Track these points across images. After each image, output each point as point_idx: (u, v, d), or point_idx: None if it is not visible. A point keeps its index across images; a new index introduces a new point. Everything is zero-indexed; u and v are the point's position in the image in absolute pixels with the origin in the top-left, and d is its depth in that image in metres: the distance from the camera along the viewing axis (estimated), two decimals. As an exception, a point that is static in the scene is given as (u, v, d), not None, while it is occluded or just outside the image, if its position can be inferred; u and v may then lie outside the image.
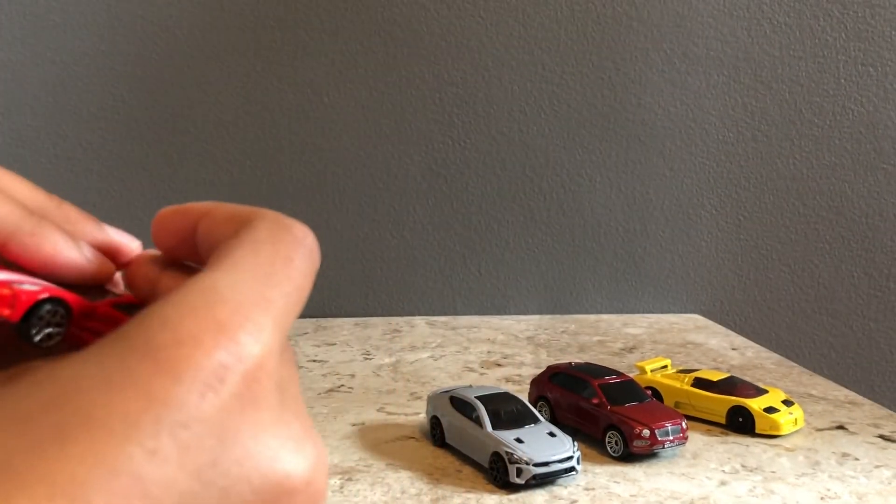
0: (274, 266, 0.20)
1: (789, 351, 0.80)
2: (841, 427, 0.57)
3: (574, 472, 0.46)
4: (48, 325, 0.25)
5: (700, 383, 0.58)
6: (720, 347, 0.80)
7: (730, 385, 0.57)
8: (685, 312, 0.95)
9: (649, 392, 0.56)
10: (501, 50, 0.91)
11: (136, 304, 0.27)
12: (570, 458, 0.46)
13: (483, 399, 0.50)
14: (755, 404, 0.55)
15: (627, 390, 0.53)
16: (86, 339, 0.25)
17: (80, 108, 0.88)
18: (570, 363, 0.58)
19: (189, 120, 0.89)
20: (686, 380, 0.59)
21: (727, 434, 0.55)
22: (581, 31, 0.91)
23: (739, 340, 0.83)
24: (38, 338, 0.25)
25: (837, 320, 0.95)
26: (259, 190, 0.91)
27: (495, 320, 0.90)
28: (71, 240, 0.27)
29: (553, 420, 0.54)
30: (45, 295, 0.26)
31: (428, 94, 0.91)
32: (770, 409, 0.55)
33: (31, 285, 0.26)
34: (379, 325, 0.88)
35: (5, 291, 0.26)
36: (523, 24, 0.91)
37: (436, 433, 0.52)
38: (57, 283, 0.27)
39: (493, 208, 0.93)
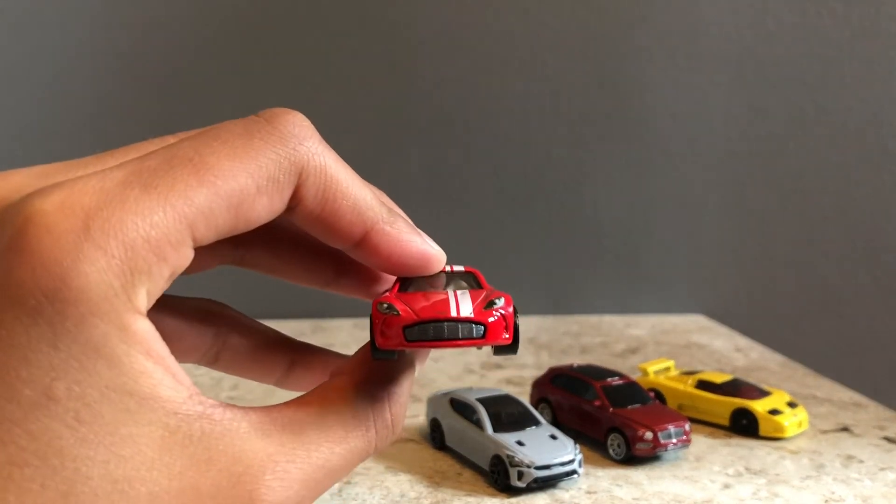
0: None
1: (794, 352, 0.79)
2: (845, 429, 0.57)
3: (576, 475, 0.45)
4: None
5: (703, 385, 0.58)
6: (724, 349, 0.79)
7: (733, 387, 0.57)
8: (688, 313, 0.94)
9: (652, 394, 0.55)
10: (502, 47, 0.90)
11: None
12: (572, 460, 0.45)
13: (484, 401, 0.49)
14: (759, 406, 0.55)
15: (630, 392, 0.53)
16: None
17: (76, 107, 0.87)
18: (571, 365, 0.57)
19: (188, 119, 0.89)
20: (689, 381, 0.58)
21: (731, 436, 0.55)
22: (583, 29, 0.91)
23: (743, 342, 0.82)
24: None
25: (842, 321, 0.95)
26: (259, 190, 0.90)
27: (497, 321, 0.89)
28: (416, 232, 0.27)
29: (554, 422, 0.54)
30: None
31: (427, 93, 0.91)
32: (774, 412, 0.54)
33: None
34: (380, 326, 0.87)
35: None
36: (525, 21, 0.90)
37: (435, 436, 0.51)
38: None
39: (493, 208, 0.92)
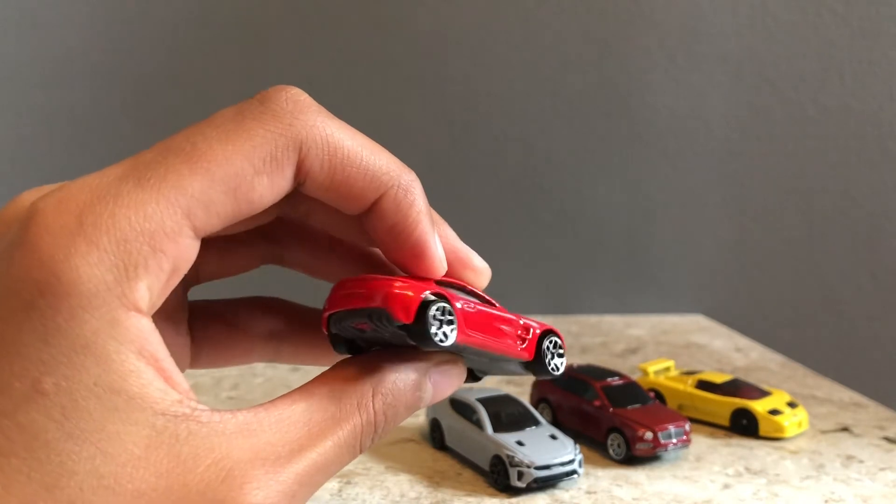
0: None
1: (794, 352, 0.79)
2: (845, 429, 0.57)
3: (576, 476, 0.45)
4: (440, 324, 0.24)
5: (703, 385, 0.58)
6: (724, 349, 0.79)
7: (733, 387, 0.57)
8: (688, 313, 0.94)
9: (652, 394, 0.55)
10: (502, 47, 0.90)
11: None
12: (572, 461, 0.45)
13: (484, 401, 0.49)
14: (759, 406, 0.55)
15: (630, 392, 0.53)
16: None
17: (75, 108, 0.87)
18: (571, 365, 0.57)
19: (187, 119, 0.89)
20: (689, 382, 0.58)
21: (731, 437, 0.55)
22: (583, 29, 0.91)
23: (743, 342, 0.82)
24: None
25: (842, 321, 0.95)
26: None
27: (497, 321, 0.89)
28: (431, 218, 0.25)
29: (555, 422, 0.54)
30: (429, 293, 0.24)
31: (427, 93, 0.91)
32: (774, 412, 0.54)
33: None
34: (380, 326, 0.87)
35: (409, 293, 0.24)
36: (525, 20, 0.90)
37: (436, 436, 0.51)
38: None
39: (493, 208, 0.92)
